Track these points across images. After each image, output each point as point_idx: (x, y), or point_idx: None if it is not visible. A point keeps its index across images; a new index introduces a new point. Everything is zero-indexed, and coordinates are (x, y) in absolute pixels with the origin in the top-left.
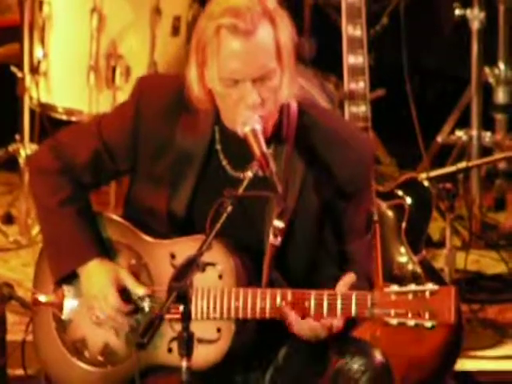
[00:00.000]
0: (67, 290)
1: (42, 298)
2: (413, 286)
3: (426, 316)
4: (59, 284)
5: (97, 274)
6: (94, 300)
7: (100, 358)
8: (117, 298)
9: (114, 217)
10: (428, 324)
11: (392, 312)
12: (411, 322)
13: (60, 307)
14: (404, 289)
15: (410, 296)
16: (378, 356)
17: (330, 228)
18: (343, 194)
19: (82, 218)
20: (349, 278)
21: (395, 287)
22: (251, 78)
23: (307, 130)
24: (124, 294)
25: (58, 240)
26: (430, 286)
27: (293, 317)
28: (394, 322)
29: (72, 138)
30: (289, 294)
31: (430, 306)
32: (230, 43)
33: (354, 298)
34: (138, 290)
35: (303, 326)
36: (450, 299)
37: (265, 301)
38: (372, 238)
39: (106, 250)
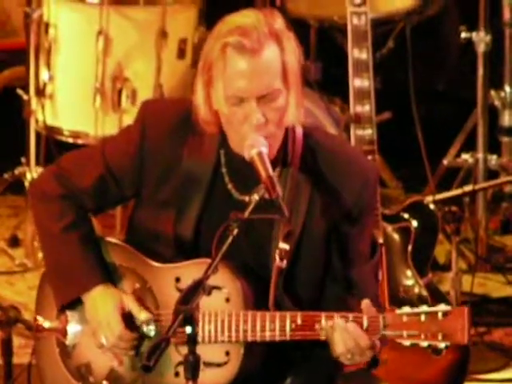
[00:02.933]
0: (71, 315)
1: (46, 324)
2: (425, 307)
3: (439, 337)
4: (63, 310)
5: (101, 301)
6: (98, 327)
7: (105, 383)
8: (121, 325)
9: (118, 241)
10: (441, 345)
11: (404, 333)
12: (424, 343)
13: (64, 333)
14: (416, 310)
15: (423, 317)
16: None
17: (335, 251)
18: (348, 217)
19: (85, 243)
20: (365, 304)
21: (407, 308)
22: (256, 97)
23: (312, 154)
24: (128, 320)
25: (62, 266)
26: (443, 307)
27: (338, 321)
28: (407, 343)
29: (76, 164)
30: (298, 316)
31: (443, 327)
32: (236, 61)
33: (365, 319)
34: (141, 315)
35: (345, 335)
36: (464, 320)
37: (274, 323)
38: (377, 263)
39: (110, 276)
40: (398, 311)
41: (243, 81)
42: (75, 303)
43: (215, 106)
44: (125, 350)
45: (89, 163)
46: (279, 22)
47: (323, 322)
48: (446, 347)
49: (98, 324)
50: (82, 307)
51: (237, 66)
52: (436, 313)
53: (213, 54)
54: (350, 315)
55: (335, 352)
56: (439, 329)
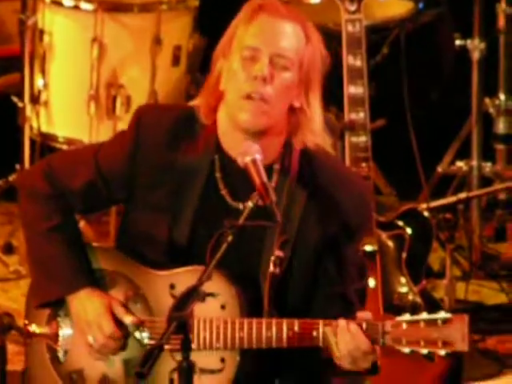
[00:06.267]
0: (61, 320)
1: (37, 330)
2: (425, 315)
3: (439, 344)
4: (41, 307)
5: (90, 302)
6: (87, 327)
7: None
8: (112, 325)
9: (107, 247)
10: (442, 352)
11: (404, 340)
12: (424, 351)
13: (55, 338)
14: (416, 317)
15: (422, 324)
16: None
17: (327, 267)
18: (345, 228)
19: (71, 246)
20: (361, 313)
21: (407, 316)
22: (270, 56)
23: (309, 168)
24: (117, 322)
25: (48, 264)
26: (443, 314)
27: (341, 322)
28: (407, 350)
29: (67, 165)
30: (295, 323)
31: (443, 334)
32: (264, 17)
33: (364, 324)
34: (126, 318)
35: (347, 337)
36: (464, 327)
37: (270, 330)
38: (364, 288)
39: (100, 281)
40: (397, 318)
41: (265, 35)
42: (58, 304)
43: (222, 85)
44: (113, 350)
45: (80, 165)
46: (314, 31)
47: (322, 327)
48: (447, 355)
49: (87, 324)
50: (65, 307)
51: (264, 20)
52: (436, 320)
53: (243, 14)
54: (334, 323)
55: (336, 355)
56: (439, 336)
